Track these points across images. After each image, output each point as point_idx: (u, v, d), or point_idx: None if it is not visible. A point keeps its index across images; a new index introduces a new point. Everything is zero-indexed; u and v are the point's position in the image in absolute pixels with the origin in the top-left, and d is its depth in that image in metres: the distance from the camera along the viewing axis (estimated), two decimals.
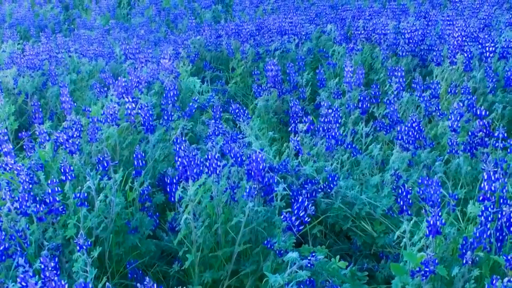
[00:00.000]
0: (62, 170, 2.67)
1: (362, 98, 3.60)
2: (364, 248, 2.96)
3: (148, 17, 9.42)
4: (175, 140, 2.77)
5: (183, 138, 2.83)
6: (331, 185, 2.90)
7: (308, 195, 2.83)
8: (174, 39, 7.07)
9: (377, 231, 2.91)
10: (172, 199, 2.60)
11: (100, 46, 6.79)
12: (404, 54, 4.57)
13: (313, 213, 2.44)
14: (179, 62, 5.32)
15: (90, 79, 5.24)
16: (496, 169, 2.29)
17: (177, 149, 2.76)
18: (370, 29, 5.30)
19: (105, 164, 2.64)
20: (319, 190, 2.92)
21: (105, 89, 4.24)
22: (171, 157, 3.37)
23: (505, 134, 2.94)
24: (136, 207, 2.81)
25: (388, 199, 2.90)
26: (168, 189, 2.66)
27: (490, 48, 4.02)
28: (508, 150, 2.86)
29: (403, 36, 4.84)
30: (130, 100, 3.23)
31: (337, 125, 3.27)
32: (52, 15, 9.69)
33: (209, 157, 2.51)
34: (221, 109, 3.74)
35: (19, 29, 9.04)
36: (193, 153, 2.54)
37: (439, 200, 2.31)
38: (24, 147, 3.15)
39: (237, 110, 3.58)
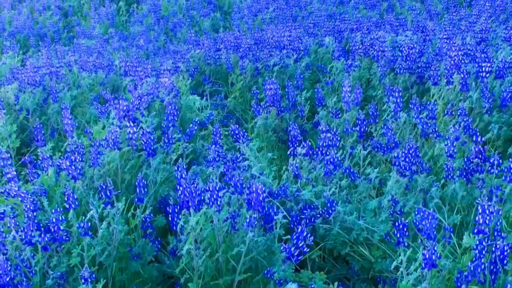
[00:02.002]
0: (66, 198, 2.72)
1: (359, 122, 3.65)
2: (362, 272, 3.02)
3: (147, 26, 9.44)
4: (176, 168, 2.82)
5: (184, 166, 2.88)
6: (330, 211, 2.96)
7: (307, 222, 2.88)
8: (173, 50, 7.11)
9: (374, 256, 2.97)
10: (174, 228, 2.66)
11: (99, 57, 6.83)
12: (401, 71, 4.62)
13: (312, 243, 2.50)
14: (178, 76, 5.37)
15: (90, 92, 5.29)
16: (490, 203, 2.34)
17: (178, 176, 2.82)
18: (368, 44, 5.35)
19: (108, 194, 2.69)
20: (318, 215, 2.98)
21: (106, 107, 4.28)
22: (172, 178, 3.42)
23: (500, 157, 3.00)
24: (139, 234, 2.86)
25: (385, 224, 2.95)
26: (170, 218, 2.71)
27: (487, 68, 4.06)
28: (503, 177, 2.91)
29: (400, 53, 4.88)
30: (132, 124, 3.28)
31: (335, 148, 3.32)
32: (51, 23, 9.72)
33: (210, 188, 2.56)
34: (220, 125, 3.78)
35: (19, 37, 9.07)
36: (195, 184, 2.58)
37: (434, 232, 2.37)
38: (28, 171, 3.20)
39: (236, 131, 3.63)
